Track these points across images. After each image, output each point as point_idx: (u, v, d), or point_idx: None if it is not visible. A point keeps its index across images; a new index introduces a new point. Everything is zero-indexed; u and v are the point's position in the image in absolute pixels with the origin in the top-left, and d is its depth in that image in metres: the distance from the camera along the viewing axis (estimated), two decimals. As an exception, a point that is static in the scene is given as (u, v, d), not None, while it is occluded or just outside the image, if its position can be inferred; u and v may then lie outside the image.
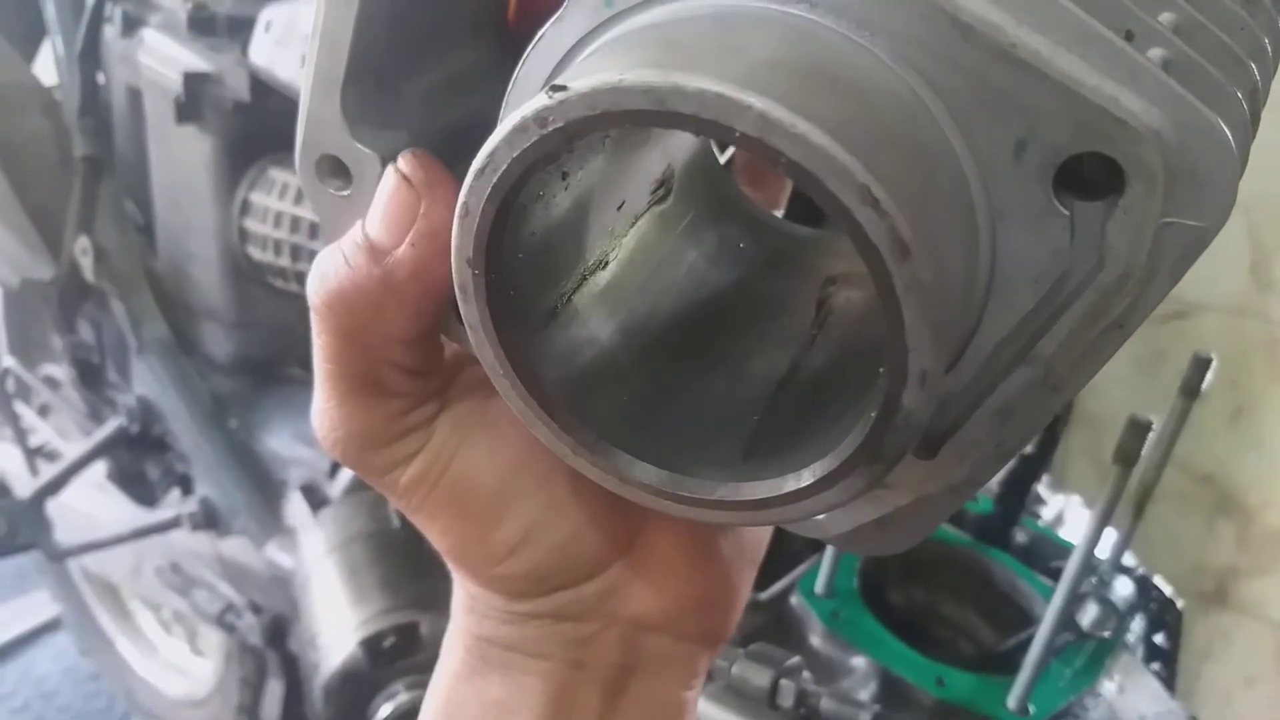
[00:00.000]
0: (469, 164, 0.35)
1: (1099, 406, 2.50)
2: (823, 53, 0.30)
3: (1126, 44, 0.29)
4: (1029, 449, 1.23)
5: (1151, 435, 0.97)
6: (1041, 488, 1.39)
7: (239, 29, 1.42)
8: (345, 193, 0.39)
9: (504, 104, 0.37)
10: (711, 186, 0.45)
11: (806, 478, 0.33)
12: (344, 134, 0.38)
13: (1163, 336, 2.40)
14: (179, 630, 2.18)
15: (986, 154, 0.31)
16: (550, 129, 0.29)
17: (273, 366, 1.67)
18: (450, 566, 0.45)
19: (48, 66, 1.78)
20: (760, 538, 0.49)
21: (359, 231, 0.38)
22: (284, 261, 1.46)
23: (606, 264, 0.40)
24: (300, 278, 1.45)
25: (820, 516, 0.37)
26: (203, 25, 1.45)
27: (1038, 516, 1.36)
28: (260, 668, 1.67)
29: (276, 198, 1.46)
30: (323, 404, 0.41)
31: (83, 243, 1.56)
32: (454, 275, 0.34)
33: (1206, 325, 2.18)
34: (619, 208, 0.40)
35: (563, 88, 0.29)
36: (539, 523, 0.42)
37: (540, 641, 0.44)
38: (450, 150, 0.39)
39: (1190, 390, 1.03)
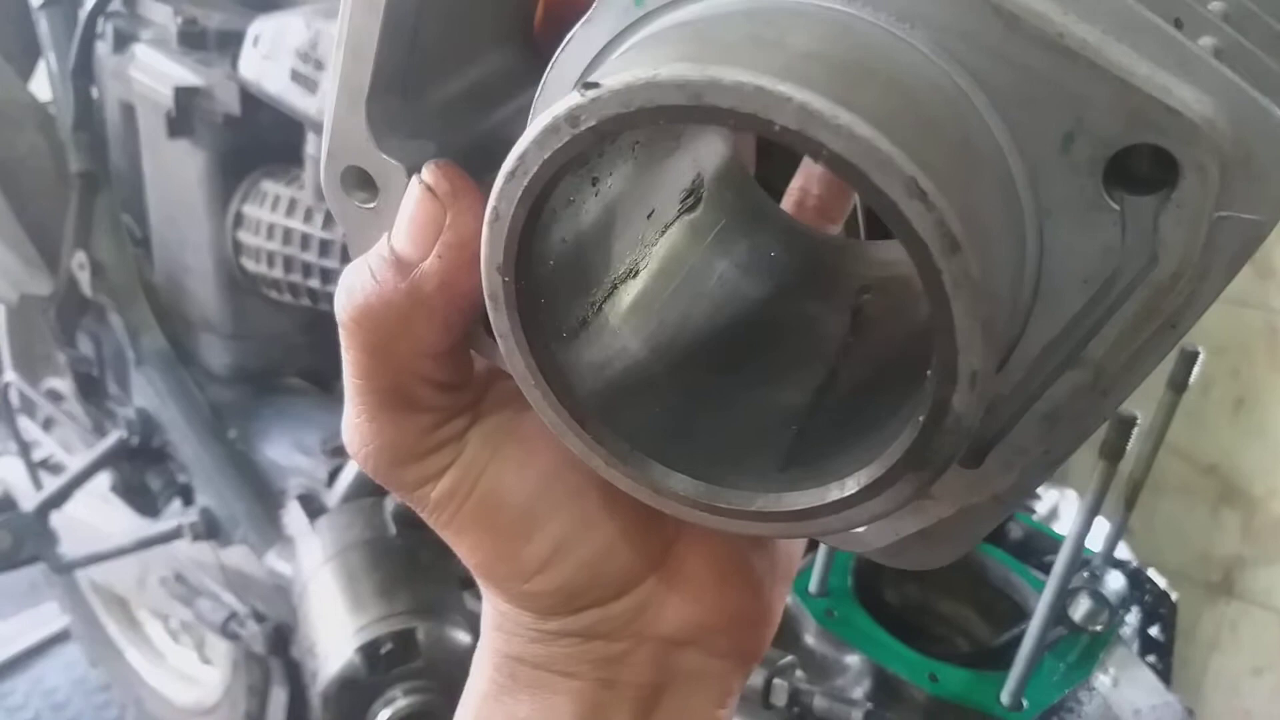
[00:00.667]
0: (495, 175, 0.34)
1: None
2: (862, 45, 0.29)
3: (1177, 32, 0.28)
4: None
5: (1140, 429, 0.98)
6: (1035, 482, 1.39)
7: (228, 43, 1.43)
8: (371, 205, 0.39)
9: (533, 109, 0.36)
10: (742, 195, 0.45)
11: (850, 486, 0.32)
12: (370, 145, 0.37)
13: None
14: (187, 639, 2.20)
15: (1033, 148, 0.30)
16: (583, 128, 0.28)
17: (270, 376, 1.69)
18: (479, 583, 0.44)
19: (44, 84, 1.80)
20: (793, 553, 0.48)
21: (385, 245, 0.37)
22: (277, 273, 1.47)
23: (637, 273, 0.39)
24: (294, 289, 1.46)
25: (861, 529, 0.36)
26: (193, 40, 1.46)
27: (1032, 511, 1.37)
28: (265, 675, 1.68)
29: (269, 210, 1.46)
30: (353, 419, 0.40)
31: (80, 257, 1.58)
32: (484, 283, 0.33)
33: (1207, 315, 2.17)
34: (649, 216, 0.40)
35: (595, 85, 0.28)
36: (569, 538, 0.42)
37: (570, 660, 0.44)
38: (477, 160, 0.38)
39: (1178, 384, 1.03)
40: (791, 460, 0.36)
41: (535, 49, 0.41)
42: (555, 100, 0.31)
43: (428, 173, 0.37)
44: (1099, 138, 0.29)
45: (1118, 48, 0.28)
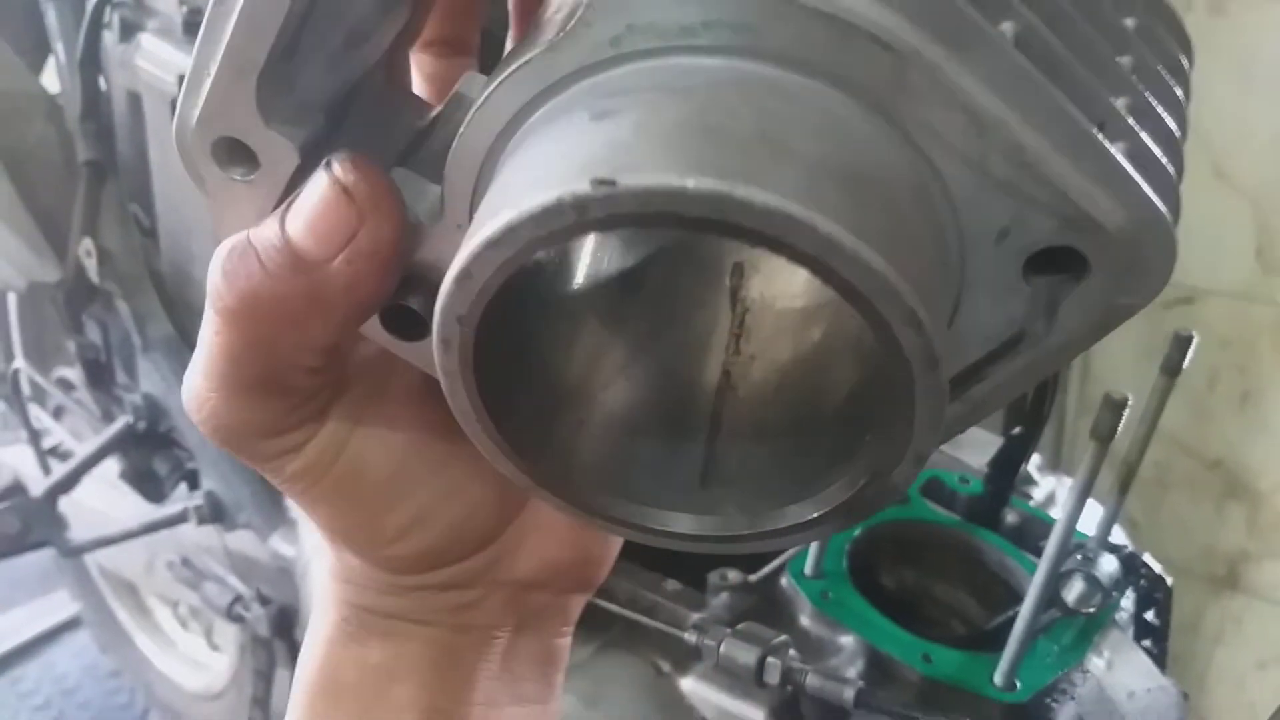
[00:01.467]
0: (360, 121, 0.35)
1: (1107, 391, 2.49)
2: (860, 150, 0.30)
3: (1107, 144, 0.31)
4: (1016, 429, 1.23)
5: (1137, 413, 0.98)
6: (1033, 468, 1.39)
7: (233, 31, 1.44)
8: (250, 179, 0.36)
9: (468, 122, 0.34)
10: None
11: (779, 520, 0.35)
12: (255, 122, 0.34)
13: (1169, 322, 2.38)
14: (195, 625, 2.22)
15: (971, 236, 0.32)
16: (589, 218, 0.28)
17: (275, 362, 1.69)
18: (327, 540, 0.43)
19: (54, 78, 1.82)
20: None
21: (277, 232, 0.34)
22: (281, 259, 1.47)
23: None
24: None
25: None
26: (198, 29, 1.46)
27: (1029, 497, 1.37)
28: (270, 658, 1.70)
29: (273, 197, 1.47)
30: (204, 391, 0.37)
31: (87, 245, 1.59)
32: (436, 326, 0.32)
33: (1213, 310, 2.17)
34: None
35: (610, 182, 0.27)
36: (433, 506, 0.41)
37: (423, 610, 0.44)
38: (342, 109, 0.37)
39: (1172, 369, 1.04)
40: (709, 474, 0.38)
41: (415, 6, 0.40)
42: (502, 111, 0.32)
43: (342, 169, 0.33)
44: (1030, 234, 0.32)
45: (1061, 161, 0.31)
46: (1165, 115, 0.36)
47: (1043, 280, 0.33)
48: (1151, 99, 0.36)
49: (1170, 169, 0.34)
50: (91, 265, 1.60)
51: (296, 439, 0.39)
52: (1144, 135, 0.33)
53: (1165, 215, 0.32)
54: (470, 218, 0.35)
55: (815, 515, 0.34)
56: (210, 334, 0.36)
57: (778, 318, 0.41)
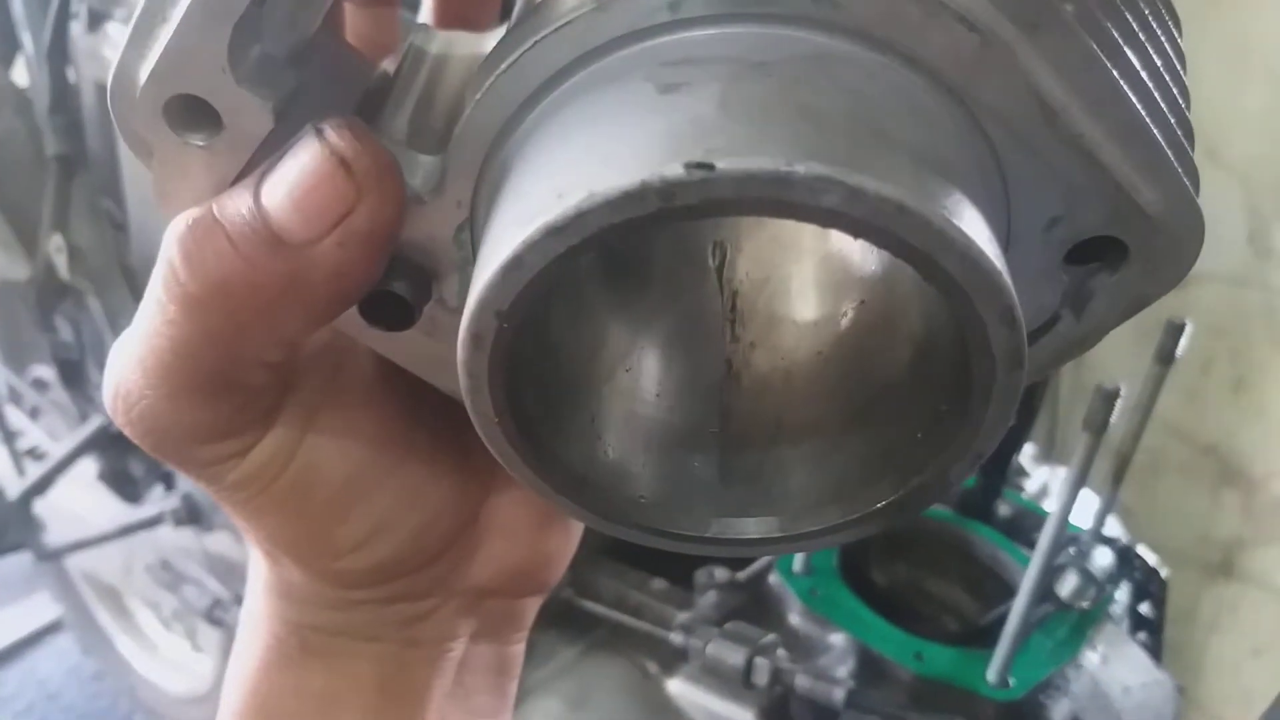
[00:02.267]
0: (315, 82, 0.31)
1: (1100, 378, 2.49)
2: (947, 137, 0.29)
3: (1157, 134, 0.30)
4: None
5: (1128, 402, 0.96)
6: (1025, 460, 1.37)
7: (202, 20, 1.41)
8: (203, 143, 0.30)
9: (493, 77, 0.30)
10: None
11: (812, 524, 0.33)
12: (224, 76, 0.29)
13: (1162, 308, 2.37)
14: (179, 628, 2.19)
15: (1021, 224, 0.31)
16: (677, 204, 0.25)
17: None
18: (263, 553, 0.38)
19: (23, 73, 1.78)
20: None
21: (250, 208, 0.29)
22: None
23: None
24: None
25: None
26: (167, 17, 1.44)
27: (1022, 489, 1.35)
28: (251, 662, 1.68)
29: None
30: (139, 387, 0.32)
31: (57, 241, 1.56)
32: (467, 324, 0.28)
33: (1206, 295, 2.16)
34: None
35: (707, 166, 0.24)
36: (390, 515, 0.37)
37: (371, 625, 0.39)
38: (298, 69, 0.32)
39: (1165, 357, 1.01)
40: (728, 471, 0.35)
41: None
42: (530, 76, 0.29)
43: (339, 137, 0.29)
44: (1078, 224, 0.31)
45: (1114, 150, 0.30)
46: (1179, 98, 0.34)
47: (1080, 270, 0.32)
48: (1169, 79, 0.34)
49: (1191, 154, 0.33)
50: (62, 262, 1.56)
51: (239, 444, 0.34)
52: (1173, 121, 0.32)
53: (1198, 207, 0.31)
54: (476, 195, 0.32)
55: (859, 515, 0.32)
56: (159, 323, 0.30)
57: (773, 300, 0.38)
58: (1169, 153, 0.31)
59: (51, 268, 1.58)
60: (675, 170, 0.24)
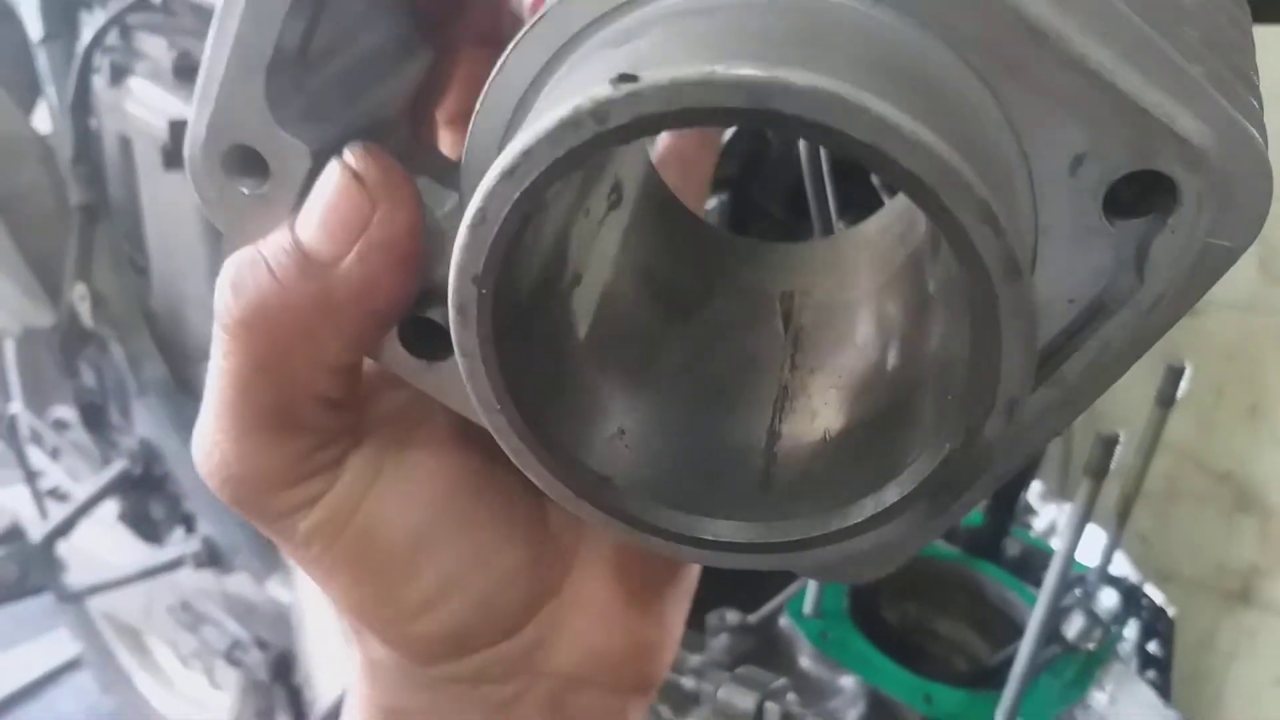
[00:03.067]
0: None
1: (1112, 409, 2.48)
2: (908, 54, 0.28)
3: (1183, 59, 0.28)
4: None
5: (1130, 443, 0.97)
6: (1032, 498, 1.38)
7: (221, 75, 1.44)
8: (260, 191, 0.33)
9: (485, 90, 0.32)
10: (654, 194, 0.43)
11: (856, 515, 0.31)
12: (266, 122, 0.32)
13: (1174, 334, 2.37)
14: (197, 664, 2.20)
15: (1042, 168, 0.29)
16: (611, 125, 0.25)
17: (270, 404, 1.69)
18: (349, 626, 0.39)
19: (45, 119, 1.83)
20: (696, 573, 0.44)
21: (287, 237, 0.32)
22: (273, 302, 1.47)
23: (580, 278, 0.37)
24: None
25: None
26: (186, 72, 1.47)
27: (1029, 527, 1.36)
28: (270, 703, 1.69)
29: (263, 239, 1.47)
30: (213, 435, 0.34)
31: (80, 289, 1.59)
32: (451, 294, 0.29)
33: (1217, 322, 2.16)
34: (586, 215, 0.37)
35: (632, 77, 0.24)
36: (460, 574, 0.37)
37: (457, 710, 0.39)
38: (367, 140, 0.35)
39: (1165, 400, 1.03)
40: (770, 483, 0.35)
41: (419, 17, 0.39)
42: (516, 83, 0.29)
43: (354, 157, 0.31)
44: (1108, 161, 0.29)
45: (1133, 74, 0.28)
46: (1234, 52, 0.32)
47: (1132, 224, 0.29)
48: (1217, 36, 0.32)
49: (1251, 100, 0.30)
50: (85, 310, 1.60)
51: (310, 491, 0.35)
52: (1219, 63, 0.30)
53: (1254, 134, 0.28)
54: None
55: (897, 500, 0.30)
56: (218, 360, 0.33)
57: (832, 340, 0.39)
58: (1204, 81, 0.28)
59: (75, 315, 1.62)
60: (603, 90, 0.25)
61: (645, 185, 0.42)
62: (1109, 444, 0.91)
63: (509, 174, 0.26)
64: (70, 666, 2.50)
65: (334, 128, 0.34)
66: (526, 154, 0.26)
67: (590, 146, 0.25)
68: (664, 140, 0.46)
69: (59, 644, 2.49)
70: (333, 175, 0.32)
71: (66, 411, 1.88)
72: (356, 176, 0.31)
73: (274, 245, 0.32)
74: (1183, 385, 1.02)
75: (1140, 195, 0.29)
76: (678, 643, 0.43)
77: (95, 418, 1.75)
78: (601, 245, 0.38)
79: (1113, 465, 0.92)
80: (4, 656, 2.53)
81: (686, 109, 0.24)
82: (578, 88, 0.26)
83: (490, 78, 0.31)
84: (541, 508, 0.39)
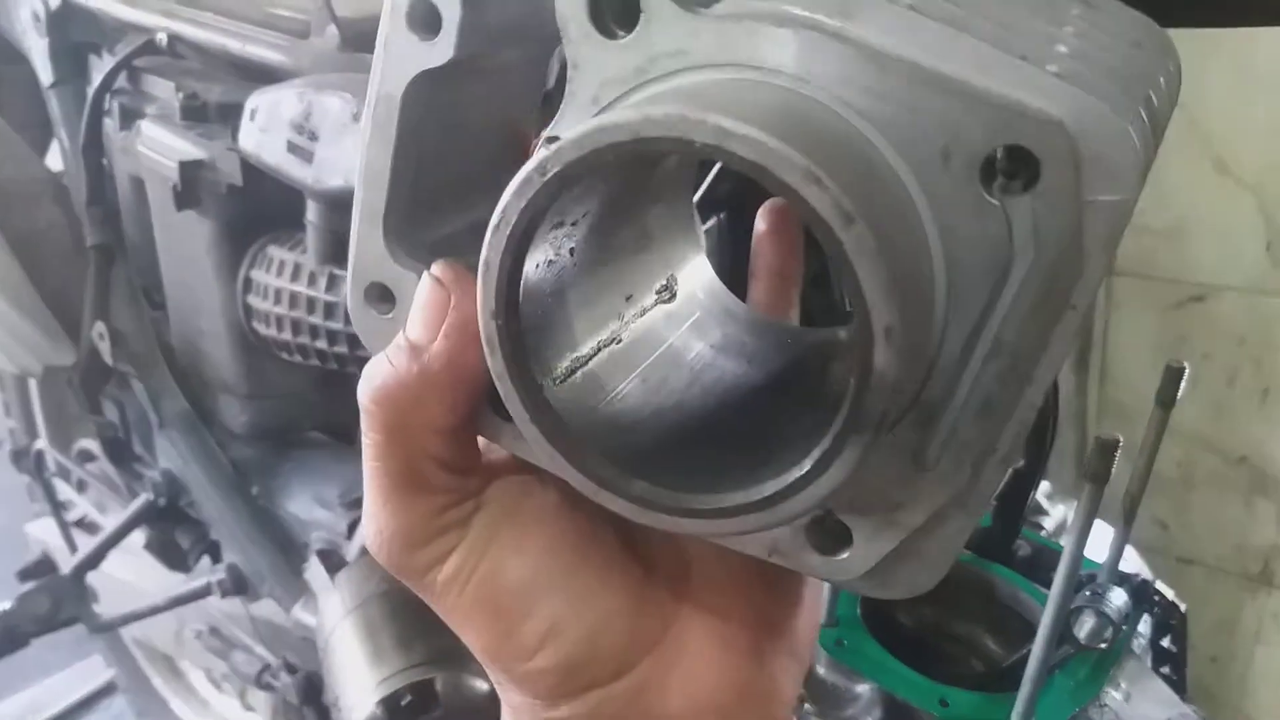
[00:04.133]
0: None
1: (1127, 396, 2.49)
2: (765, 93, 0.36)
3: (1024, 61, 0.34)
4: (1019, 463, 1.23)
5: (1134, 445, 0.98)
6: (1041, 497, 1.39)
7: (229, 115, 1.47)
8: (389, 315, 0.45)
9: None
10: (713, 296, 0.50)
11: (806, 464, 0.36)
12: (387, 260, 0.44)
13: (1183, 320, 2.38)
14: (229, 687, 2.24)
15: (920, 165, 0.36)
16: (550, 174, 0.34)
17: (288, 433, 1.72)
18: (489, 672, 0.47)
19: (57, 158, 1.86)
20: (807, 635, 0.50)
21: (401, 336, 0.43)
22: (286, 335, 1.50)
23: (620, 341, 0.44)
24: (303, 350, 1.50)
25: (844, 555, 0.41)
26: (195, 114, 1.50)
27: (1040, 528, 1.37)
28: (301, 723, 1.72)
29: (275, 275, 1.50)
30: (370, 507, 0.45)
31: (100, 327, 1.63)
32: (481, 330, 0.38)
33: (1226, 306, 2.17)
34: (627, 298, 0.46)
35: (555, 138, 0.34)
36: (565, 615, 0.44)
37: None
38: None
39: (1166, 401, 1.04)
40: (756, 478, 0.39)
41: (516, 152, 0.46)
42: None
43: (436, 267, 0.43)
44: (968, 149, 0.35)
45: (975, 77, 0.34)
46: (1113, 60, 0.38)
47: (1010, 197, 0.35)
48: (1093, 50, 0.37)
49: (1119, 90, 0.36)
50: (105, 348, 1.63)
51: (443, 546, 0.44)
52: (1079, 65, 0.35)
53: (1100, 104, 0.34)
54: None
55: (830, 443, 0.35)
56: (364, 439, 0.43)
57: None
58: (1035, 68, 0.34)
59: (96, 353, 1.65)
60: (542, 151, 0.34)
61: (709, 294, 0.50)
62: (1108, 448, 0.92)
63: (495, 228, 0.36)
64: (105, 692, 2.54)
65: (442, 252, 0.44)
66: (503, 210, 0.36)
67: (542, 194, 0.35)
68: (756, 260, 0.56)
69: (93, 670, 2.53)
70: (424, 283, 0.43)
71: (91, 443, 1.91)
72: (438, 281, 0.42)
73: (393, 344, 0.43)
74: (1183, 384, 1.03)
75: (1013, 172, 0.35)
76: (788, 698, 0.48)
77: (119, 451, 1.78)
78: (650, 323, 0.47)
79: (1114, 469, 0.93)
80: (40, 685, 2.57)
81: (594, 151, 0.33)
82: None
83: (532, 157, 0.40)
84: (640, 564, 0.47)
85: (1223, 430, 2.28)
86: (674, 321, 0.47)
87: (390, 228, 0.44)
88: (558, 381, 0.41)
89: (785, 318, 0.55)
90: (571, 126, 0.38)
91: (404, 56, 0.42)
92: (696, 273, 0.50)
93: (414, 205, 0.44)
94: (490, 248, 0.36)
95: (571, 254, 0.41)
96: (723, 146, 0.32)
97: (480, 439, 0.46)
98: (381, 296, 0.45)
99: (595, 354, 0.43)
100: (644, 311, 0.46)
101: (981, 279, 0.36)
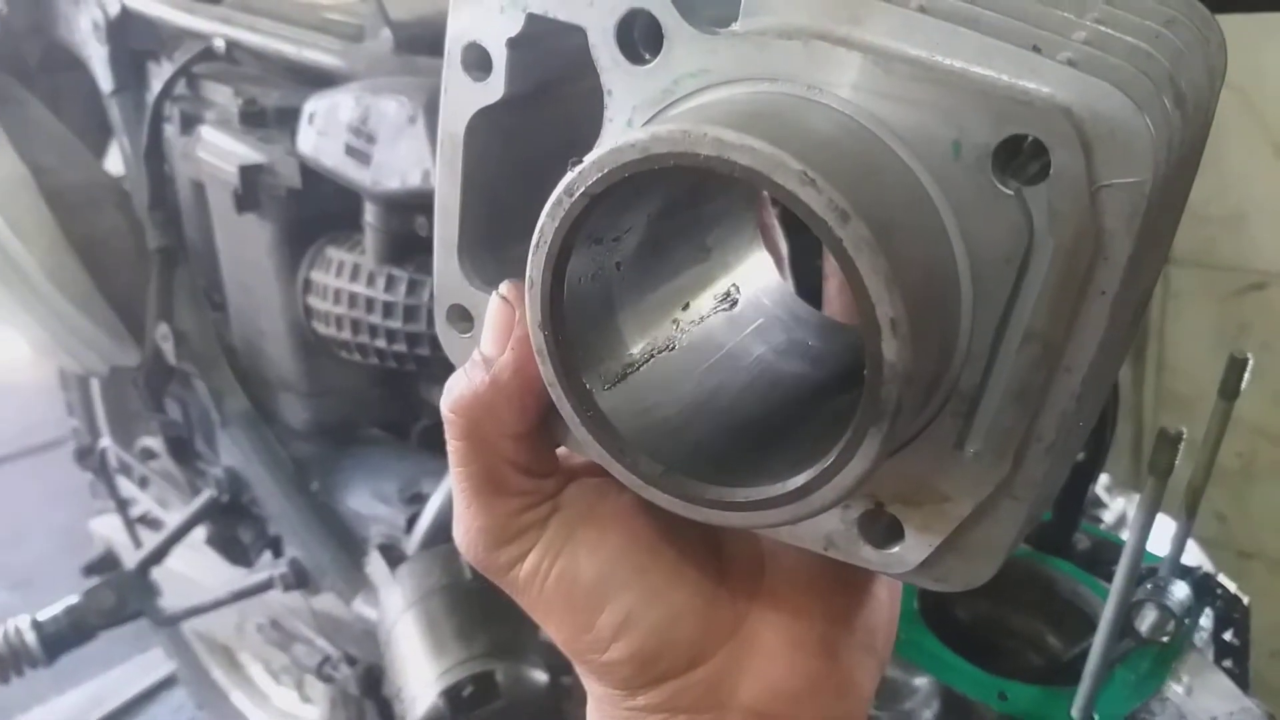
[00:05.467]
0: None
1: (1185, 387, 2.45)
2: (770, 103, 0.38)
3: (1029, 51, 0.35)
4: (1080, 456, 1.23)
5: (1196, 439, 0.98)
6: (1101, 490, 1.38)
7: (287, 119, 1.50)
8: (469, 335, 0.49)
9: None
10: (781, 304, 0.52)
11: (831, 455, 0.37)
12: (464, 284, 0.48)
13: (1244, 309, 2.34)
14: (288, 679, 2.28)
15: (933, 160, 0.36)
16: (577, 194, 0.37)
17: (348, 430, 1.75)
18: (574, 665, 0.50)
19: (116, 162, 1.90)
20: (885, 631, 0.51)
21: (476, 352, 0.47)
22: (346, 335, 1.53)
23: (674, 348, 0.46)
24: (361, 349, 1.52)
25: (895, 549, 0.42)
26: (253, 119, 1.53)
27: (1099, 521, 1.36)
28: (360, 715, 1.75)
29: (334, 275, 1.53)
30: (457, 508, 0.48)
31: (163, 329, 1.66)
32: (532, 341, 0.41)
33: (1288, 296, 2.13)
34: (684, 308, 0.48)
35: (579, 160, 0.37)
36: (638, 609, 0.47)
37: None
38: None
39: (1229, 392, 1.03)
40: (797, 469, 0.41)
41: None
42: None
43: (503, 286, 0.46)
44: (977, 140, 0.36)
45: (977, 70, 0.36)
46: (1133, 40, 0.38)
47: (1018, 183, 0.36)
48: (1114, 33, 0.38)
49: (1134, 69, 0.36)
50: (169, 348, 1.67)
51: (523, 545, 0.48)
52: (1094, 50, 0.36)
53: (1107, 86, 0.34)
54: None
55: (851, 434, 0.36)
56: (449, 450, 0.47)
57: None
58: (1042, 57, 0.35)
59: (159, 354, 1.69)
60: (569, 175, 0.37)
61: (776, 300, 0.52)
62: (1173, 442, 0.91)
63: (535, 247, 0.39)
64: (166, 685, 2.59)
65: (516, 272, 0.46)
66: (540, 230, 0.38)
67: (571, 212, 0.38)
68: (827, 263, 0.55)
69: (154, 663, 2.59)
70: (493, 302, 0.46)
71: (153, 441, 1.96)
72: (504, 299, 0.46)
73: (469, 359, 0.47)
74: (1246, 375, 1.02)
75: (1024, 160, 0.35)
76: (863, 692, 0.50)
77: (181, 449, 1.82)
78: (708, 330, 0.48)
79: (1177, 461, 0.93)
80: (102, 677, 2.63)
81: (611, 170, 0.36)
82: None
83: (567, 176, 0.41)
84: (716, 562, 0.49)
85: (1284, 421, 2.24)
86: (735, 328, 0.49)
87: (464, 253, 0.47)
88: (608, 386, 0.43)
89: None
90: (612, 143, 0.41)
91: (462, 97, 0.45)
92: (762, 280, 0.51)
93: (486, 231, 0.47)
94: (533, 266, 0.39)
95: (618, 267, 0.44)
96: (723, 156, 0.34)
97: (560, 448, 0.49)
98: (461, 316, 0.49)
99: (648, 360, 0.45)
100: (702, 319, 0.48)
101: (1005, 267, 0.37)
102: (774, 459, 0.42)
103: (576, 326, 0.41)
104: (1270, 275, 2.15)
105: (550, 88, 0.46)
